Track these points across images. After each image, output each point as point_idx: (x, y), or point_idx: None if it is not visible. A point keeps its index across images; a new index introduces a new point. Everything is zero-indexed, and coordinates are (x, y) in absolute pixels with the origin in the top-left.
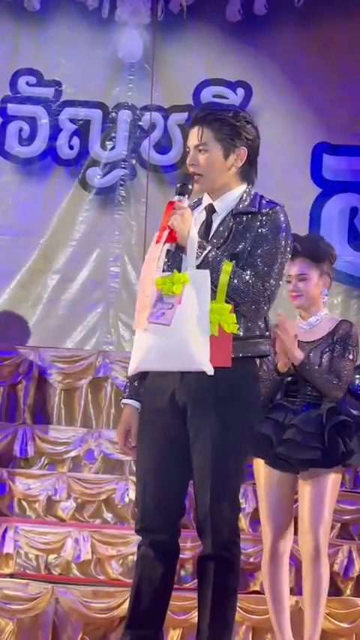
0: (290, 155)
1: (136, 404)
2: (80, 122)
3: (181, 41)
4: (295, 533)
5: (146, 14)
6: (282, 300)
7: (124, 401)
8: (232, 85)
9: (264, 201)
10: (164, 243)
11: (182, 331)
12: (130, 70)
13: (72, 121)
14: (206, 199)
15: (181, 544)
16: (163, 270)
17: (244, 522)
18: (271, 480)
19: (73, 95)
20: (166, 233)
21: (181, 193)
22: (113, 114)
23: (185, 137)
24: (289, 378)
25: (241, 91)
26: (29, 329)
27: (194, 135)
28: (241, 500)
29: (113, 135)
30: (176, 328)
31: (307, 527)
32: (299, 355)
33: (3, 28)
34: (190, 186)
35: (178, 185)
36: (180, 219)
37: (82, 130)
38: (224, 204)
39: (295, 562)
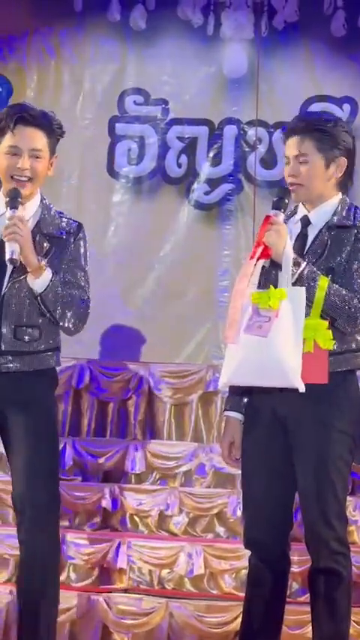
0: None
1: (239, 416)
2: (187, 139)
3: (285, 57)
4: None
5: (250, 30)
6: None
7: (226, 413)
8: (338, 101)
9: (359, 214)
10: (258, 259)
11: (277, 346)
12: (235, 86)
13: (179, 139)
14: (301, 210)
15: (292, 557)
16: (258, 286)
17: (356, 535)
18: None
19: (180, 113)
20: (260, 249)
21: (277, 207)
22: (219, 130)
23: None
24: None
25: (347, 107)
26: (139, 345)
27: (294, 145)
28: (353, 513)
29: (219, 151)
30: (271, 342)
31: None
32: None
33: (110, 48)
34: (287, 200)
35: (275, 199)
36: (275, 235)
37: (189, 148)
38: (319, 216)
39: None
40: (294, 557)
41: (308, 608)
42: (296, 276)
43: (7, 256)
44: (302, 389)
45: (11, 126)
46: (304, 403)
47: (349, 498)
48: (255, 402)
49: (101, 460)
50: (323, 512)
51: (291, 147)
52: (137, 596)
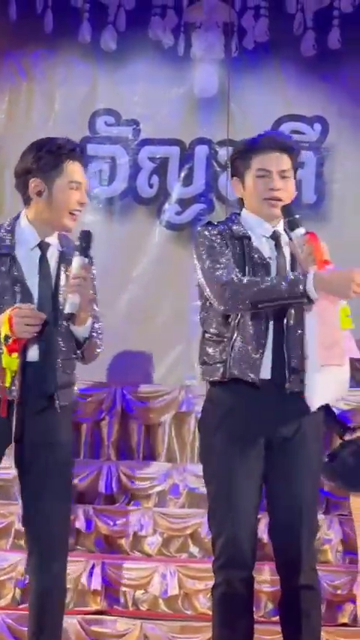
0: None
1: None
2: (159, 160)
3: (256, 77)
4: None
5: (220, 50)
6: None
7: None
8: (308, 120)
9: None
10: None
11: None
12: (206, 106)
13: (151, 159)
14: (265, 227)
15: (265, 576)
16: None
17: (330, 554)
18: None
19: (151, 133)
20: (330, 267)
21: (301, 224)
22: (190, 150)
23: None
24: None
25: (317, 126)
26: (112, 366)
27: (280, 160)
28: (327, 532)
29: (191, 171)
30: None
31: None
32: None
33: (80, 69)
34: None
35: (295, 217)
36: (326, 250)
37: (160, 168)
38: (282, 231)
39: None
40: (267, 577)
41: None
42: None
43: (67, 310)
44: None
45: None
46: (298, 421)
47: (322, 517)
48: (242, 407)
49: (75, 481)
50: (304, 531)
51: (276, 161)
52: (112, 617)
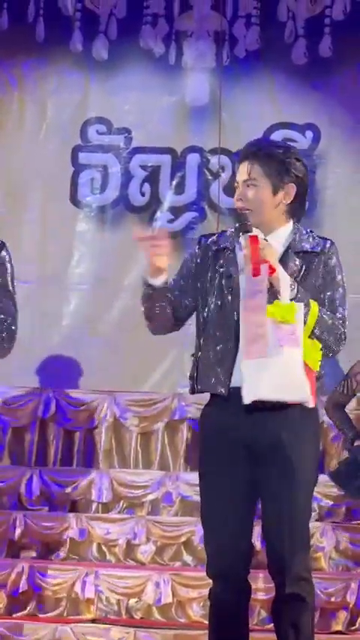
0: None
1: None
2: (150, 168)
3: (247, 85)
4: None
5: (211, 58)
6: None
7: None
8: (300, 128)
9: (320, 239)
10: (269, 275)
11: (299, 361)
12: (198, 114)
13: (142, 167)
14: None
15: (259, 584)
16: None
17: (323, 561)
18: None
19: (143, 142)
20: (266, 266)
21: (249, 229)
22: (182, 158)
23: None
24: None
25: (309, 134)
26: (105, 374)
27: (243, 170)
28: (320, 539)
29: (183, 179)
30: (296, 357)
31: None
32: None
33: (72, 78)
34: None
35: (247, 222)
36: (269, 252)
37: (152, 176)
38: (277, 242)
39: None
40: (261, 585)
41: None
42: (295, 292)
43: None
44: (312, 404)
45: None
46: (280, 427)
47: (316, 525)
48: (218, 420)
49: (68, 490)
50: (293, 538)
51: (241, 171)
52: (105, 626)
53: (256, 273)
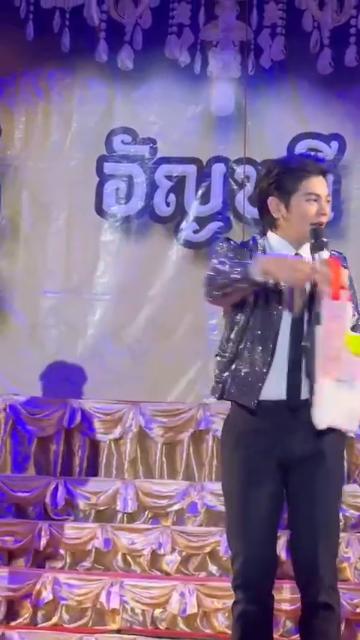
0: None
1: None
2: (176, 178)
3: (272, 95)
4: None
5: (237, 68)
6: None
7: None
8: (325, 138)
9: (337, 252)
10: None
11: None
12: (223, 124)
13: (168, 177)
14: (289, 250)
15: (285, 595)
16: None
17: (349, 572)
18: None
19: (168, 152)
20: (347, 293)
21: (324, 247)
22: (207, 168)
23: None
24: None
25: (335, 144)
26: (130, 384)
27: (324, 185)
28: (346, 549)
29: (208, 189)
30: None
31: None
32: None
33: (97, 88)
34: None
35: (325, 240)
36: (346, 279)
37: (177, 186)
38: (307, 255)
39: None
40: (287, 595)
41: None
42: (355, 318)
43: None
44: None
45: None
46: (312, 438)
47: (342, 535)
48: (246, 431)
49: (93, 500)
50: (326, 547)
51: (322, 186)
52: (130, 636)
53: (336, 297)
